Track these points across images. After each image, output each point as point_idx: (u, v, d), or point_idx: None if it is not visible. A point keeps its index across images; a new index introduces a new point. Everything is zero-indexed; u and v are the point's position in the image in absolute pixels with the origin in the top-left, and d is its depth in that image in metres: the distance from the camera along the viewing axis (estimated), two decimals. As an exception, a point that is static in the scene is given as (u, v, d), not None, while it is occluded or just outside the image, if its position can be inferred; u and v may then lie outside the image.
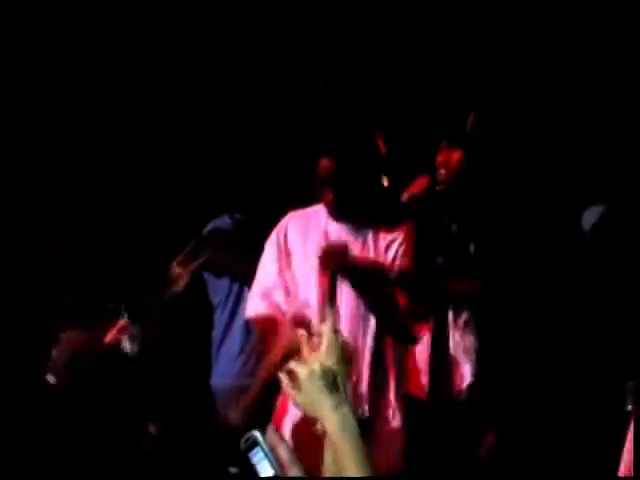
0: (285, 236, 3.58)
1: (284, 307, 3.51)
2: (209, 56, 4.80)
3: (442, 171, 3.11)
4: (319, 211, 3.56)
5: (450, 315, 3.16)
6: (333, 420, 1.71)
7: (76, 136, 4.78)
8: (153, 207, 4.74)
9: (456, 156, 3.09)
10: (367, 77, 4.66)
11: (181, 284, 3.79)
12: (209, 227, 4.20)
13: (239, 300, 4.09)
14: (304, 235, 3.55)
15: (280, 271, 3.54)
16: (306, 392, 1.76)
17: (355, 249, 3.37)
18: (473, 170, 3.08)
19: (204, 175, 4.72)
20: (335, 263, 3.35)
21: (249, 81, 4.80)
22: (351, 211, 3.40)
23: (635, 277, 3.65)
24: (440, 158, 3.12)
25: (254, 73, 4.80)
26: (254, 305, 3.57)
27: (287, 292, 3.52)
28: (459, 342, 3.12)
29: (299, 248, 3.53)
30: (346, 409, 1.73)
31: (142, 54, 4.75)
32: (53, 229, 4.69)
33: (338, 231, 3.48)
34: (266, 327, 3.52)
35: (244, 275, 3.99)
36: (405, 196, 3.14)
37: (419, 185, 3.10)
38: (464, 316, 3.14)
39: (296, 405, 1.78)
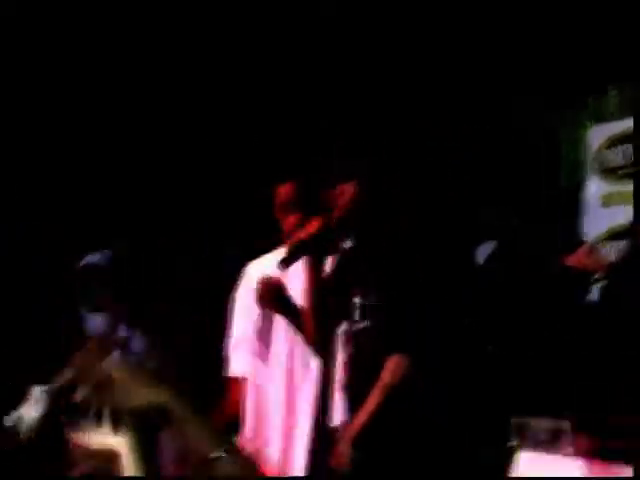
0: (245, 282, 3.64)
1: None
2: (207, 59, 4.81)
3: (335, 207, 3.00)
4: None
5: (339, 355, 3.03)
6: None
7: (76, 136, 4.79)
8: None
9: (349, 189, 2.99)
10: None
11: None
12: (82, 263, 4.09)
13: (114, 336, 4.00)
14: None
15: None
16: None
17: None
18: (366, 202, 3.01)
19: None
20: (269, 297, 3.38)
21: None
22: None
23: (523, 314, 3.71)
24: (333, 193, 3.02)
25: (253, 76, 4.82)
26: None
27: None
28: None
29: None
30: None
31: (141, 54, 4.76)
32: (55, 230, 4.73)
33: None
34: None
35: (118, 311, 4.01)
36: (299, 235, 3.06)
37: (312, 226, 2.99)
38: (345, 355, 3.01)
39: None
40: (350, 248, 3.14)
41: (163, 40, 4.72)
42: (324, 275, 3.13)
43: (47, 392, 2.88)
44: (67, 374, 2.93)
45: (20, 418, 2.86)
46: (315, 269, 3.04)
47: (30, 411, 2.84)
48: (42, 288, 4.53)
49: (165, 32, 4.70)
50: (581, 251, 3.64)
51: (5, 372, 4.24)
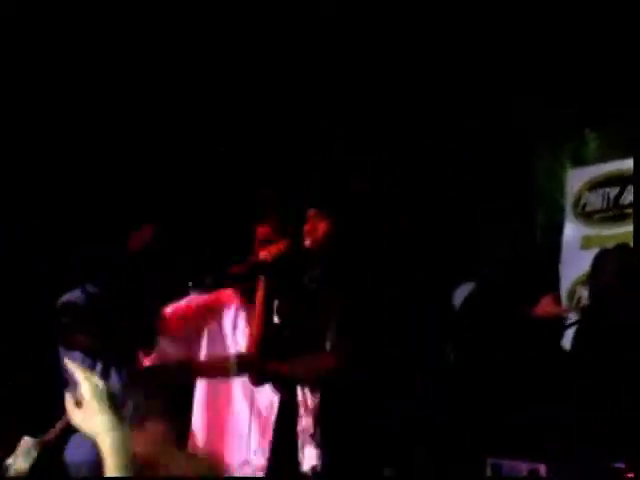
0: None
1: None
2: (206, 60, 4.81)
3: (308, 241, 2.97)
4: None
5: (300, 394, 2.98)
6: (107, 440, 1.76)
7: (75, 137, 4.79)
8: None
9: (323, 226, 2.96)
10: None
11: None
12: (61, 301, 4.03)
13: None
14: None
15: None
16: (86, 409, 1.78)
17: None
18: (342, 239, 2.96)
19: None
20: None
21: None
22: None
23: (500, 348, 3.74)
24: (307, 227, 2.99)
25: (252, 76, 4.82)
26: None
27: None
28: (305, 424, 2.92)
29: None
30: (122, 431, 1.77)
31: (140, 55, 4.75)
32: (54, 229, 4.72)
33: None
34: None
35: (96, 349, 3.95)
36: (261, 255, 3.03)
37: (277, 247, 2.99)
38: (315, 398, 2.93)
39: (75, 423, 1.79)
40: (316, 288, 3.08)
41: (162, 40, 4.72)
42: (285, 306, 3.09)
43: (37, 444, 2.92)
44: (58, 427, 2.95)
45: (10, 468, 2.90)
46: (267, 291, 2.96)
47: (20, 462, 2.89)
48: (42, 288, 4.52)
49: (164, 32, 4.70)
50: (545, 300, 3.66)
51: (5, 372, 4.24)
